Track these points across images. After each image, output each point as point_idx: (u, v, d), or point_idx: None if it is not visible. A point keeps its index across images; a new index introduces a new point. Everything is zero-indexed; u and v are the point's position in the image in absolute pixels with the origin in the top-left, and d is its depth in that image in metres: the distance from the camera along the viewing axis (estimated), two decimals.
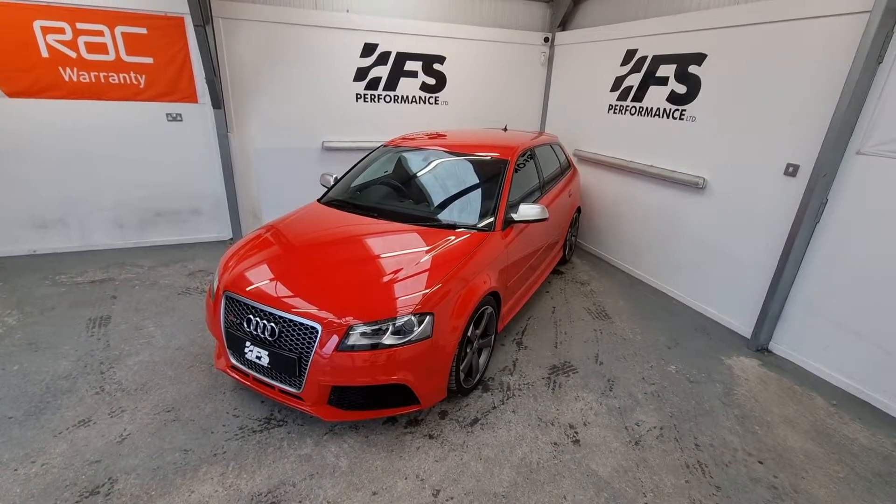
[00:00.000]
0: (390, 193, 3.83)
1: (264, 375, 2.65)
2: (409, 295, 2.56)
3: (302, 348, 2.46)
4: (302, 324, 2.46)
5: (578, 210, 5.47)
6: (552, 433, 2.79)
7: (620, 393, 3.21)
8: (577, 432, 2.82)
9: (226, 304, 2.73)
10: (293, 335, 2.48)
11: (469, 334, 2.82)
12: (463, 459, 2.56)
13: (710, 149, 4.25)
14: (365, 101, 5.79)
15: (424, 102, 6.12)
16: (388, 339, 2.44)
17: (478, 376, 3.12)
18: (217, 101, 4.93)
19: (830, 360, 3.46)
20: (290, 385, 2.58)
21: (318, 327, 2.42)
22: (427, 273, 2.73)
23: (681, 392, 3.25)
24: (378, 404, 2.60)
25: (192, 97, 5.02)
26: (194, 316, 3.88)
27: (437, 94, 6.14)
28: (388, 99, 5.90)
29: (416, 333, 2.48)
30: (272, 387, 2.66)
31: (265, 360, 2.56)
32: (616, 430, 2.86)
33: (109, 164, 4.97)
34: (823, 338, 3.48)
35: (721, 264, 4.24)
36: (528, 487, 2.40)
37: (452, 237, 3.11)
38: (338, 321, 2.43)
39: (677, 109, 4.53)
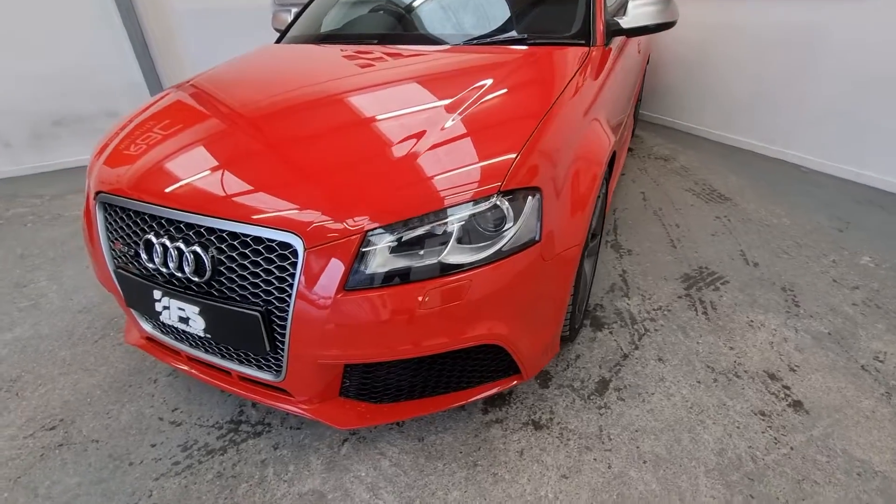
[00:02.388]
0: (400, 14, 2.27)
1: (203, 351, 1.34)
2: (483, 162, 1.17)
3: (269, 293, 1.12)
4: (263, 239, 1.09)
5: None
6: (746, 393, 1.57)
7: (814, 308, 1.96)
8: (787, 387, 1.59)
9: (104, 220, 1.35)
10: (247, 267, 1.12)
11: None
12: (612, 468, 1.35)
13: None
14: None
15: None
16: (451, 255, 1.09)
17: (583, 305, 1.83)
18: None
19: None
20: (258, 368, 1.27)
21: (299, 242, 1.06)
22: (508, 118, 1.33)
23: (892, 291, 2.02)
24: (436, 386, 1.31)
25: None
26: None
27: None
28: None
29: (509, 235, 1.13)
30: (227, 372, 1.37)
31: (197, 325, 1.22)
32: (849, 374, 1.64)
33: None
34: None
35: (892, 103, 2.83)
36: None
37: (523, 55, 1.65)
38: (339, 226, 1.06)
39: None
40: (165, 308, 1.25)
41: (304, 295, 1.07)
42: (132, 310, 1.42)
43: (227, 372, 1.35)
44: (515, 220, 1.14)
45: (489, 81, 1.46)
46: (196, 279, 1.16)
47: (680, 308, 1.99)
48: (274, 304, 1.12)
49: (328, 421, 1.26)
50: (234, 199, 1.13)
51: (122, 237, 1.30)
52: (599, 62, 1.74)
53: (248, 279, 1.12)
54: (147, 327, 1.42)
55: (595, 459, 1.37)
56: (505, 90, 1.42)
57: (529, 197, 1.17)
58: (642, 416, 1.50)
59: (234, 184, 1.17)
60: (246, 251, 1.11)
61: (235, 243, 1.12)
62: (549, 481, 1.31)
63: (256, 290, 1.13)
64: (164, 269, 1.20)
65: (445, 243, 1.10)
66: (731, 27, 3.64)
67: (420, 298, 1.08)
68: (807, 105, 3.29)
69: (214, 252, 1.14)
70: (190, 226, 1.16)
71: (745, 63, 3.60)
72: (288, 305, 1.10)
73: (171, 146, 1.36)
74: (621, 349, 1.77)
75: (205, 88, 1.72)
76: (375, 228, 1.06)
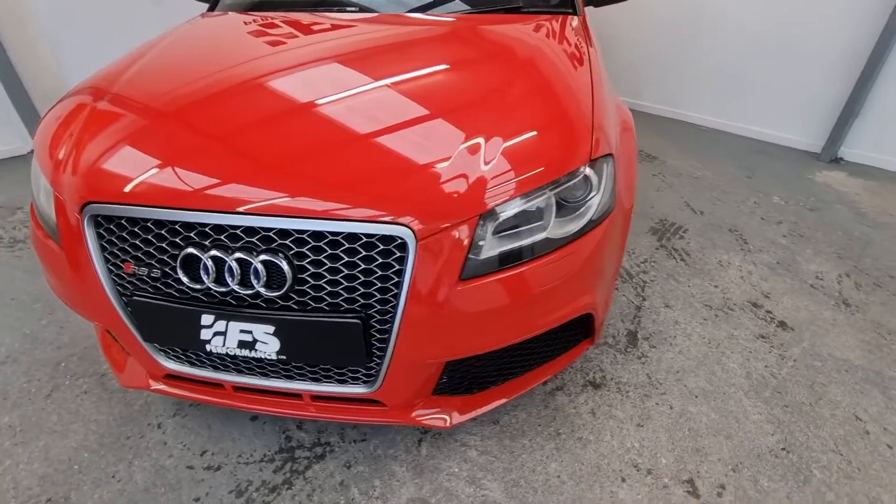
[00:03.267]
0: None
1: (263, 377, 1.14)
2: (566, 134, 1.15)
3: (368, 296, 0.99)
4: (359, 235, 0.94)
5: None
6: (744, 322, 1.81)
7: (759, 244, 2.31)
8: (770, 312, 1.87)
9: (96, 237, 1.04)
10: (339, 270, 0.97)
11: None
12: (674, 409, 1.47)
13: None
14: None
15: None
16: (553, 230, 1.07)
17: None
18: None
19: None
20: (346, 382, 1.12)
21: (408, 234, 0.94)
22: (565, 88, 1.31)
23: (816, 225, 2.47)
24: (524, 365, 1.29)
25: None
26: (19, 290, 1.96)
27: None
28: None
29: (596, 203, 1.13)
30: (296, 395, 1.19)
31: (269, 346, 1.03)
32: (806, 293, 1.98)
33: None
34: None
35: (783, 70, 3.38)
36: (801, 420, 1.43)
37: (535, 24, 1.63)
38: (451, 211, 0.96)
39: None
40: (219, 334, 1.03)
41: (416, 292, 0.97)
42: (148, 343, 1.14)
43: (295, 395, 1.17)
44: (599, 188, 1.15)
45: (525, 52, 1.41)
46: (271, 294, 0.97)
47: (661, 258, 2.20)
48: (375, 307, 0.99)
49: (431, 424, 1.17)
50: (315, 192, 0.96)
51: (136, 256, 1.03)
52: (585, 32, 1.79)
53: (342, 283, 0.97)
54: (171, 364, 1.16)
55: (657, 404, 1.48)
56: (546, 60, 1.39)
57: (605, 164, 1.18)
58: (676, 357, 1.65)
59: (306, 174, 0.99)
60: (338, 252, 0.96)
61: (322, 244, 0.96)
62: (628, 433, 1.39)
63: (353, 295, 0.98)
64: (219, 288, 0.98)
65: (548, 219, 1.07)
66: (636, 7, 3.99)
67: (533, 278, 1.05)
68: (699, 71, 3.78)
69: (293, 258, 0.96)
70: (252, 230, 0.96)
71: (644, 38, 3.99)
72: (394, 306, 0.98)
73: (196, 134, 1.10)
74: (632, 302, 1.92)
75: (135, 82, 1.38)
76: (488, 209, 0.99)
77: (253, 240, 0.96)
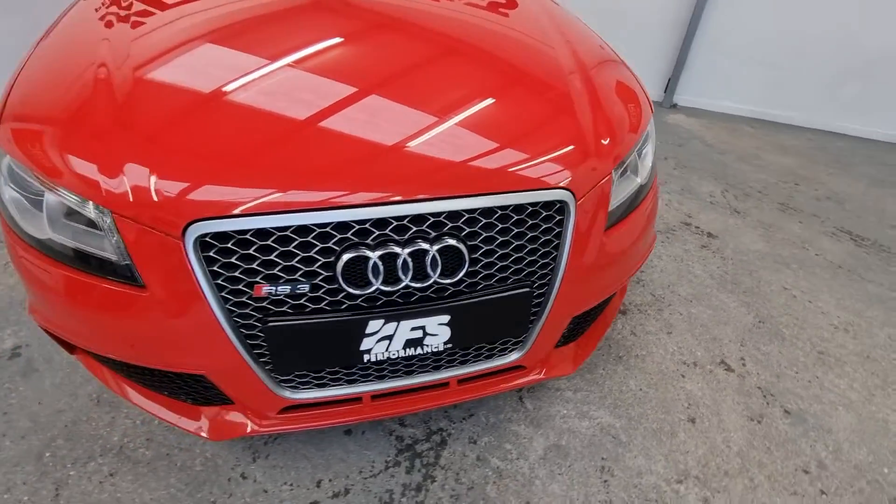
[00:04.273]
0: None
1: (415, 373, 1.07)
2: (635, 91, 1.31)
3: (533, 262, 1.01)
4: (525, 206, 0.96)
5: None
6: (687, 238, 2.26)
7: (662, 177, 2.84)
8: (698, 227, 2.36)
9: (203, 262, 0.84)
10: (509, 243, 0.97)
11: None
12: (682, 313, 1.81)
13: None
14: None
15: None
16: (640, 178, 1.22)
17: None
18: None
19: (735, 95, 3.86)
20: (501, 355, 1.13)
21: (569, 196, 0.98)
22: (611, 53, 1.44)
23: (689, 157, 3.12)
24: (605, 304, 1.44)
25: None
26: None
27: None
28: None
29: (651, 153, 1.32)
30: (443, 385, 1.13)
31: (439, 338, 0.99)
32: (710, 208, 2.53)
33: None
34: (726, 75, 3.81)
35: (625, 36, 4.00)
36: (758, 299, 1.90)
37: None
38: (596, 166, 1.03)
39: None
40: (385, 339, 0.95)
41: (575, 251, 1.03)
42: (276, 375, 0.97)
43: (441, 385, 1.12)
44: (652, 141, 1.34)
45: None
46: (446, 281, 0.93)
47: None
48: (538, 272, 1.03)
49: (559, 372, 1.26)
50: (474, 166, 0.93)
51: (272, 275, 0.86)
52: None
53: (512, 256, 0.98)
54: (299, 394, 1.01)
55: (671, 314, 1.81)
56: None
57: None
58: (661, 275, 2.00)
59: (460, 146, 0.94)
60: (508, 225, 0.96)
61: (493, 220, 0.94)
62: (665, 341, 1.68)
63: (520, 265, 1.00)
64: (389, 288, 0.90)
65: (637, 167, 1.21)
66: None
67: (639, 220, 1.20)
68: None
69: (466, 240, 0.93)
70: (420, 218, 0.90)
71: None
72: (554, 269, 1.03)
73: (313, 117, 0.93)
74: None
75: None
76: (620, 160, 1.09)
77: (423, 228, 0.90)
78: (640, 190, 1.21)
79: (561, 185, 0.97)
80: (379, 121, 0.96)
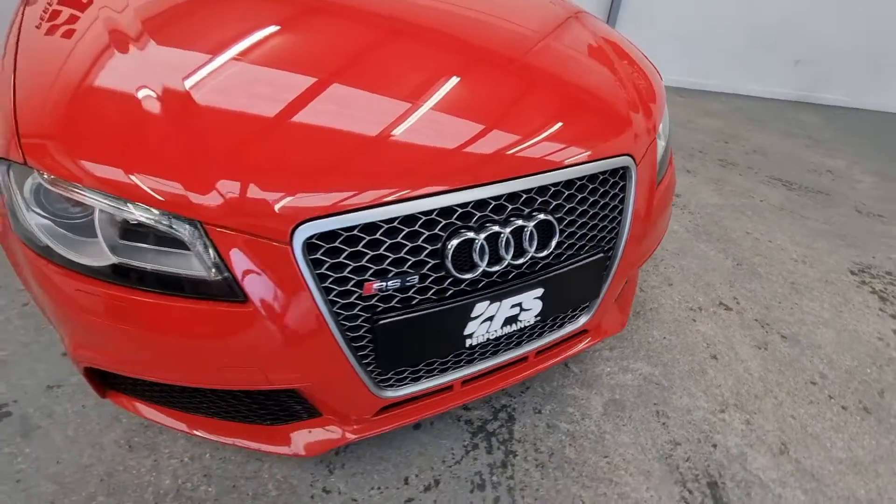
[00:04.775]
0: None
1: (508, 348, 1.08)
2: (647, 67, 1.41)
3: (604, 227, 1.06)
4: (598, 175, 1.00)
5: None
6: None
7: None
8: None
9: (311, 264, 0.78)
10: (587, 212, 1.01)
11: None
12: (675, 266, 1.98)
13: None
14: None
15: None
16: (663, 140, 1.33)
17: None
18: None
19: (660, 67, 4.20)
20: (572, 321, 1.17)
21: (631, 161, 1.04)
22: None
23: None
24: None
25: None
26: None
27: None
28: None
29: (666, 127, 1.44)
30: (522, 360, 1.15)
31: (531, 312, 1.01)
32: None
33: None
34: (650, 50, 4.14)
35: None
36: (730, 245, 2.13)
37: None
38: (647, 129, 1.12)
39: None
40: (487, 320, 0.95)
41: (637, 211, 1.10)
42: (379, 375, 0.93)
43: (521, 360, 1.14)
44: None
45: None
46: (541, 255, 0.95)
47: None
48: (607, 236, 1.08)
49: (611, 333, 1.33)
50: (555, 144, 0.96)
51: (378, 272, 0.82)
52: None
53: (589, 223, 1.02)
54: (401, 391, 0.98)
55: (665, 268, 1.97)
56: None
57: None
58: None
59: (539, 126, 0.96)
60: (585, 194, 1.00)
61: (573, 191, 0.98)
62: (669, 292, 1.84)
63: (594, 232, 1.04)
64: (494, 268, 0.90)
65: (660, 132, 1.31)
66: None
67: (672, 180, 1.30)
68: None
69: (551, 213, 0.95)
70: (515, 196, 0.91)
71: None
72: (619, 232, 1.09)
73: (396, 99, 0.90)
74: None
75: None
76: (659, 123, 1.17)
77: (518, 205, 0.91)
78: (666, 150, 1.30)
79: (625, 152, 1.03)
80: (464, 111, 0.94)
